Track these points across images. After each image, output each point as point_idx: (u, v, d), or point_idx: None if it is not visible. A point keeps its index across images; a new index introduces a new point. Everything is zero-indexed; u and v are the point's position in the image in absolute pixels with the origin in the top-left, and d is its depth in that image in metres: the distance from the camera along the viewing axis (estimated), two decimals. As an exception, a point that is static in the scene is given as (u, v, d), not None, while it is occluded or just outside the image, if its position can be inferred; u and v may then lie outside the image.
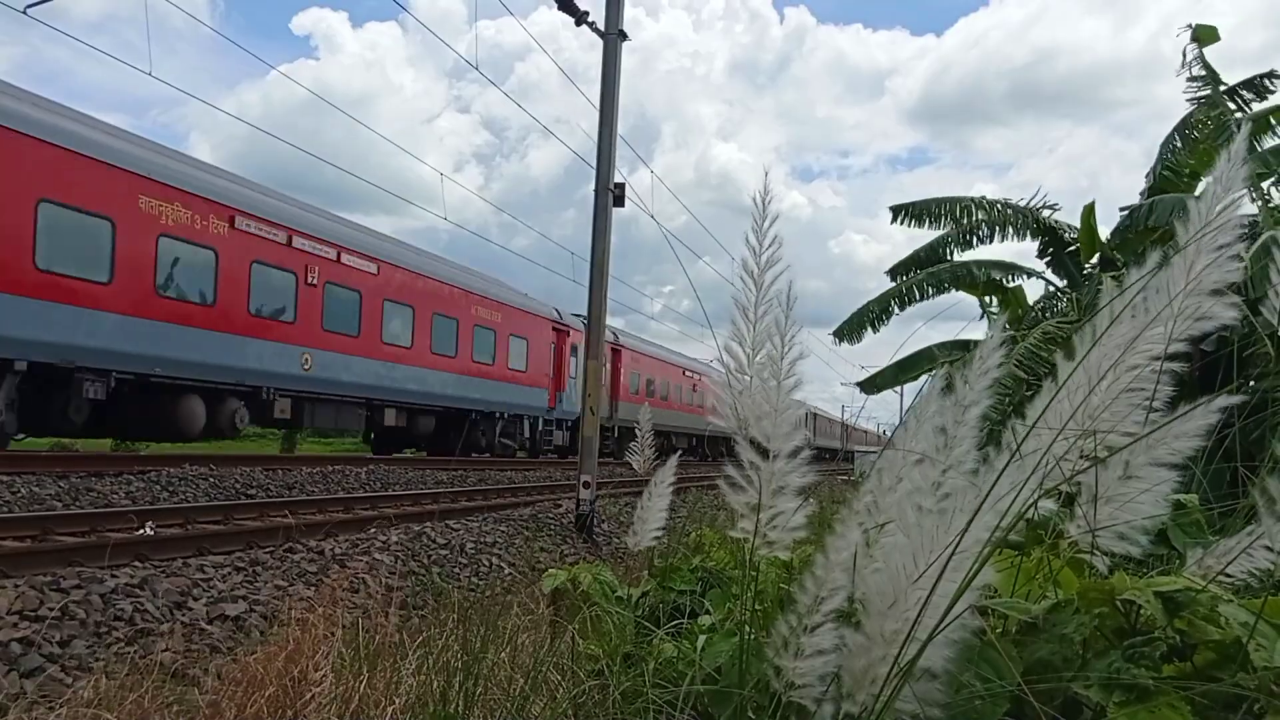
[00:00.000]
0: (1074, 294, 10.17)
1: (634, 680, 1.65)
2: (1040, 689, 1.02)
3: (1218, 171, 1.27)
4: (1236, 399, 1.15)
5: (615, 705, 1.65)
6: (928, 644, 0.93)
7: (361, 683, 2.18)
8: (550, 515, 10.07)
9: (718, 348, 1.30)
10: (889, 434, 1.48)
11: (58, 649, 4.08)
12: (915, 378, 11.13)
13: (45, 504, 8.22)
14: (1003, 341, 1.32)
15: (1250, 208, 7.14)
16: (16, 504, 8.01)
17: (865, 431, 58.44)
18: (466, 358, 20.36)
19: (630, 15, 10.05)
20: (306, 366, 15.36)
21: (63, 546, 5.96)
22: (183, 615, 4.80)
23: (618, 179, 9.97)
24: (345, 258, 16.34)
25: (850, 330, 12.23)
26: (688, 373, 34.84)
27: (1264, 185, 7.93)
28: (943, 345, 10.63)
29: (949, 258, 11.72)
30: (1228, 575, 1.19)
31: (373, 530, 7.97)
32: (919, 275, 11.65)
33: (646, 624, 1.97)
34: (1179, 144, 9.35)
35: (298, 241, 15.13)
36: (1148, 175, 9.74)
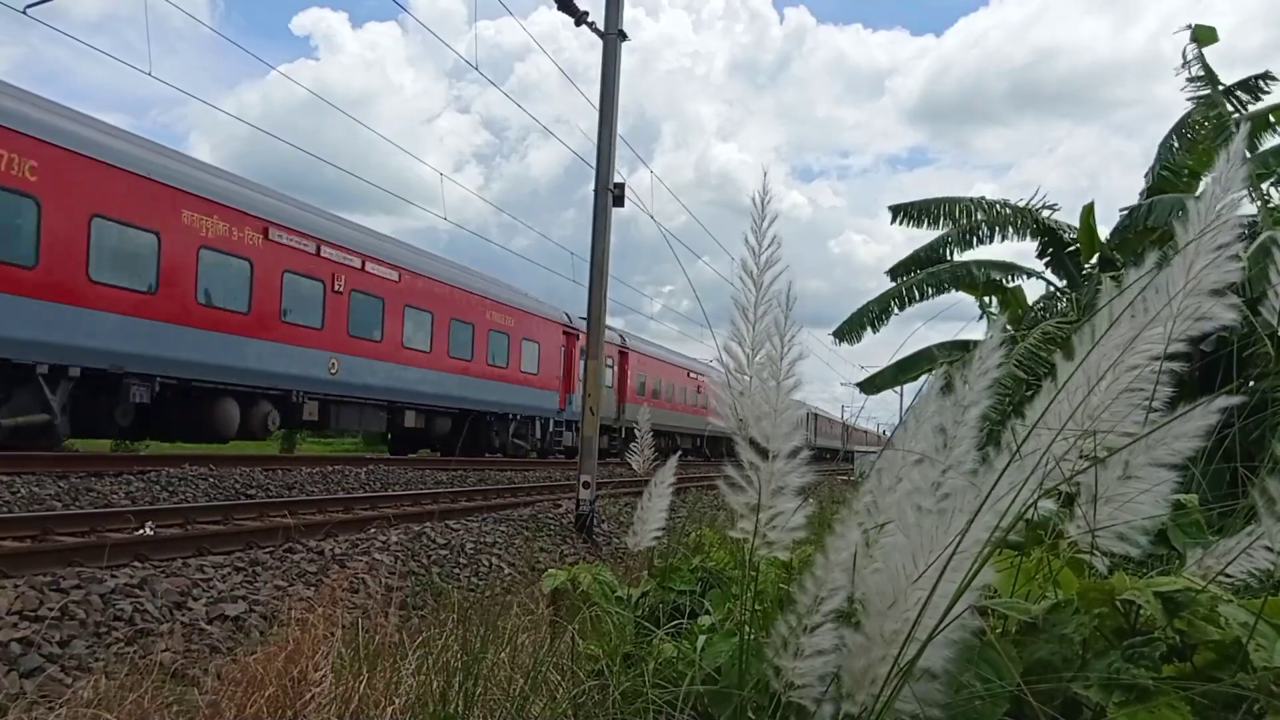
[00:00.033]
0: (1074, 294, 10.17)
1: (634, 680, 1.65)
2: (1040, 689, 1.02)
3: (1217, 171, 1.27)
4: (1236, 399, 1.15)
5: (615, 705, 1.65)
6: (927, 644, 0.93)
7: (361, 683, 2.18)
8: (550, 515, 10.06)
9: (717, 348, 1.30)
10: (889, 434, 1.48)
11: (57, 649, 4.08)
12: (915, 378, 11.14)
13: (45, 504, 8.21)
14: (1002, 342, 1.32)
15: (1250, 208, 7.15)
16: (16, 504, 8.01)
17: (865, 432, 58.52)
18: (482, 361, 21.09)
19: (630, 15, 10.07)
20: (333, 371, 16.03)
21: (62, 547, 5.96)
22: (182, 615, 4.80)
23: (617, 179, 9.97)
24: (369, 266, 17.02)
25: (850, 330, 12.23)
26: (692, 374, 35.14)
27: (1263, 186, 7.93)
28: (942, 345, 10.63)
29: (949, 258, 11.72)
30: (1227, 575, 1.19)
31: (372, 530, 7.97)
32: (919, 275, 11.65)
33: (646, 624, 1.97)
34: (1176, 144, 9.35)
35: (325, 251, 15.84)
36: (1147, 175, 9.75)
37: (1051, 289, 11.17)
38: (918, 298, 11.63)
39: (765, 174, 1.24)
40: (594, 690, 1.77)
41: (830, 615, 1.03)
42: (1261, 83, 9.20)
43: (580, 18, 10.23)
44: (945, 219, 11.75)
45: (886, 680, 0.96)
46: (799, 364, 1.22)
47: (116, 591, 4.77)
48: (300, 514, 8.87)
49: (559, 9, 10.21)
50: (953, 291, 11.41)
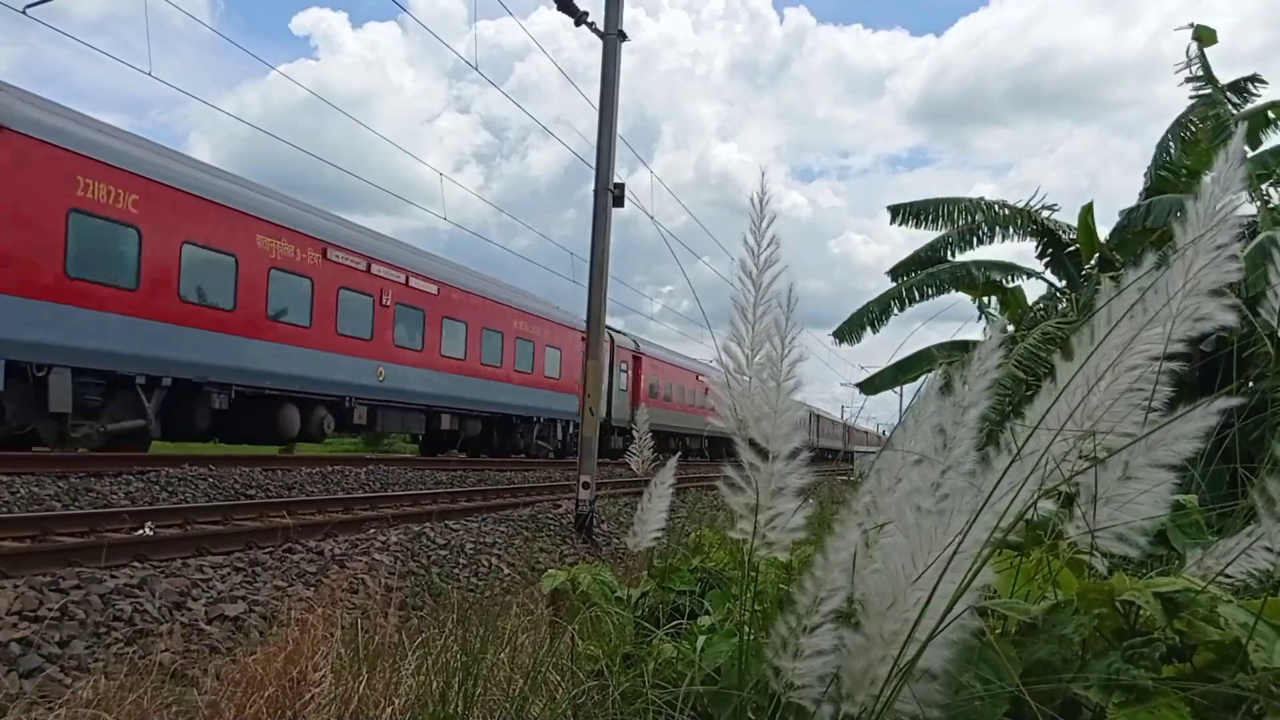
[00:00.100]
0: (1073, 294, 10.17)
1: (633, 681, 1.65)
2: (1040, 690, 1.02)
3: (1216, 171, 1.27)
4: (1236, 400, 1.15)
5: (615, 706, 1.65)
6: (927, 645, 0.93)
7: (361, 683, 2.18)
8: (550, 515, 10.06)
9: (717, 348, 1.30)
10: (888, 434, 1.48)
11: (57, 649, 4.08)
12: (914, 378, 11.12)
13: (45, 504, 8.21)
14: (1002, 342, 1.31)
15: (1249, 208, 7.15)
16: (16, 504, 8.01)
17: (865, 432, 58.66)
18: (510, 367, 22.68)
19: (630, 15, 10.07)
20: (380, 378, 17.44)
21: (62, 547, 5.95)
22: (182, 616, 4.80)
23: (617, 179, 9.98)
24: (412, 281, 18.54)
25: (850, 331, 12.22)
26: (700, 377, 35.78)
27: (1263, 186, 7.93)
28: (942, 346, 10.62)
29: (949, 258, 11.70)
30: (1227, 576, 1.19)
31: (372, 530, 7.97)
32: (919, 276, 11.64)
33: (646, 624, 1.97)
34: (1173, 144, 9.36)
35: (375, 268, 17.34)
36: (1145, 175, 9.75)
37: (1051, 289, 11.17)
38: (917, 298, 11.62)
39: (764, 174, 1.24)
40: (594, 691, 1.76)
41: (830, 616, 1.03)
42: (1250, 85, 9.25)
43: (580, 18, 10.23)
44: (945, 219, 11.74)
45: (886, 681, 0.96)
46: (799, 365, 1.21)
47: (116, 592, 4.76)
48: (300, 514, 8.87)
49: (559, 9, 10.21)
50: (952, 292, 11.40)
